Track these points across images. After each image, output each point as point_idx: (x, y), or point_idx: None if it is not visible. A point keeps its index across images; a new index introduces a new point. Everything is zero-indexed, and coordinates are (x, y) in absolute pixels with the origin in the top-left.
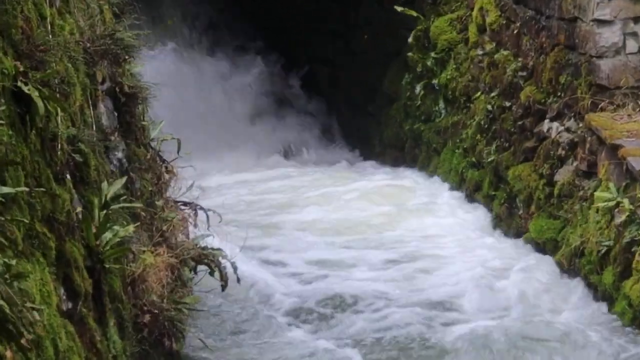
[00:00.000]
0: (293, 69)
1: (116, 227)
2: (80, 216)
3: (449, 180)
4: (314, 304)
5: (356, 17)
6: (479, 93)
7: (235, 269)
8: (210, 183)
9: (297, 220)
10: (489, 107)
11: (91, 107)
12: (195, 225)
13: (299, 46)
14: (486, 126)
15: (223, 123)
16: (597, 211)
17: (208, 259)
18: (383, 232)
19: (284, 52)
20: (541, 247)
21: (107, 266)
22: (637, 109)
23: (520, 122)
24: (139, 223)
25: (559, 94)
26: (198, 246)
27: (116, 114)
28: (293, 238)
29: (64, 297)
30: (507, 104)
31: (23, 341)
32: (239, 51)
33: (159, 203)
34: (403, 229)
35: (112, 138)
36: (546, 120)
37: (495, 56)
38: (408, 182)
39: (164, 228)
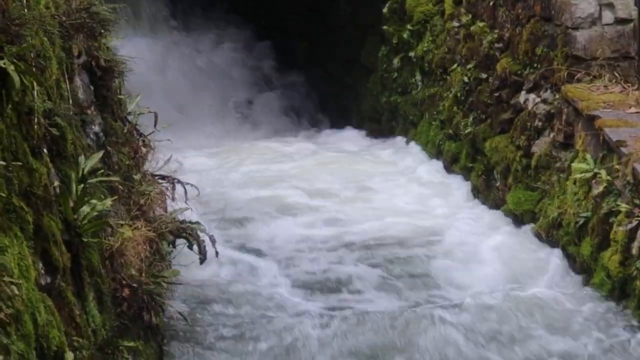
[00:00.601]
0: (268, 42)
1: (94, 201)
2: (57, 190)
3: (427, 152)
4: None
5: None
6: (455, 65)
7: (213, 242)
8: (186, 158)
9: (277, 197)
10: (466, 79)
11: (67, 81)
12: (173, 199)
13: (274, 19)
14: (463, 98)
15: (197, 98)
16: (575, 182)
17: (186, 232)
18: (359, 209)
19: (258, 25)
20: (519, 219)
21: (85, 240)
22: (614, 80)
23: (496, 94)
24: (116, 197)
25: (535, 65)
26: (176, 220)
27: (92, 87)
28: (271, 218)
29: (43, 272)
30: (484, 75)
31: (1, 315)
32: (211, 26)
33: (137, 177)
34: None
35: (89, 112)
36: (522, 92)
37: (471, 28)
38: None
39: (142, 202)
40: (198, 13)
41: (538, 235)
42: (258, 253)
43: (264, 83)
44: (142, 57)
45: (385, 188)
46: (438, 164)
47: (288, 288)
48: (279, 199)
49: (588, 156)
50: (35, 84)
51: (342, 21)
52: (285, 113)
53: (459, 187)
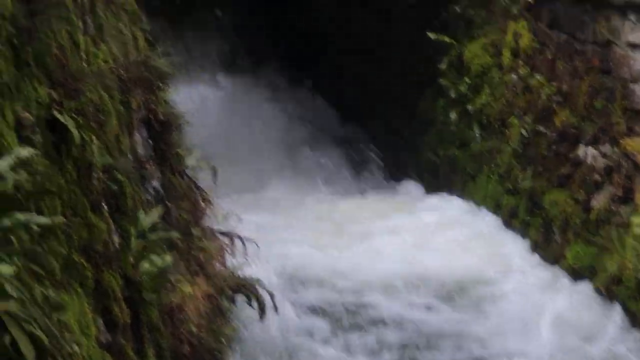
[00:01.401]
0: (324, 91)
1: (154, 257)
2: (117, 246)
3: (485, 206)
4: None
5: (392, 39)
6: (513, 118)
7: (273, 298)
8: (247, 213)
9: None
10: (524, 132)
11: (126, 136)
12: (233, 255)
13: (330, 71)
14: (521, 151)
15: (256, 151)
16: (634, 237)
17: (246, 288)
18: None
19: (314, 78)
20: (578, 274)
21: (145, 296)
22: None
23: (555, 147)
24: (176, 252)
25: (593, 118)
26: (235, 276)
27: (151, 142)
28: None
29: (103, 329)
30: (542, 129)
31: None
32: (265, 79)
33: (196, 232)
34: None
35: (148, 167)
36: (581, 145)
37: (530, 81)
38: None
39: (202, 257)
40: (251, 66)
41: (598, 291)
42: (317, 312)
43: (322, 136)
44: (201, 109)
45: (444, 244)
46: (497, 219)
47: (342, 350)
48: (336, 259)
49: None
50: (94, 138)
51: (401, 73)
52: (344, 166)
53: (517, 242)
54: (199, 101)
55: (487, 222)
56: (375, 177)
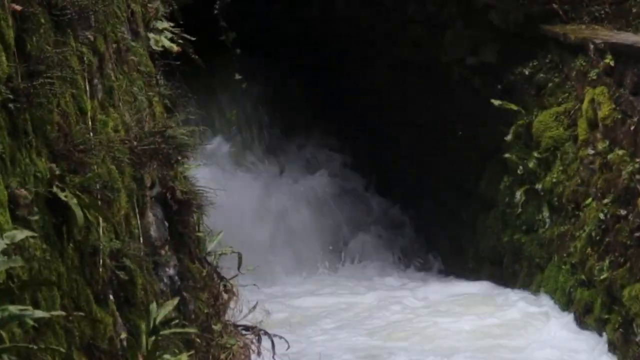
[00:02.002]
0: (366, 170)
1: (167, 356)
2: (125, 343)
3: (555, 301)
4: None
5: (449, 109)
6: (589, 199)
7: None
8: (275, 305)
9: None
10: (601, 215)
11: (138, 216)
12: (259, 354)
13: (377, 140)
14: (598, 238)
15: (287, 236)
16: None
17: None
18: None
19: (354, 148)
20: None
21: None
22: None
23: (638, 234)
24: (193, 351)
25: None
26: None
27: (167, 223)
28: None
29: None
30: (623, 212)
31: None
32: (301, 153)
33: (217, 327)
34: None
35: (162, 252)
36: None
37: (609, 156)
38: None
39: (223, 357)
40: (285, 140)
41: None
42: None
43: (364, 217)
44: (224, 187)
45: (506, 351)
46: (568, 317)
47: None
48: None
49: None
50: (100, 219)
51: (458, 146)
52: (388, 252)
53: (592, 343)
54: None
55: (557, 320)
56: (427, 267)
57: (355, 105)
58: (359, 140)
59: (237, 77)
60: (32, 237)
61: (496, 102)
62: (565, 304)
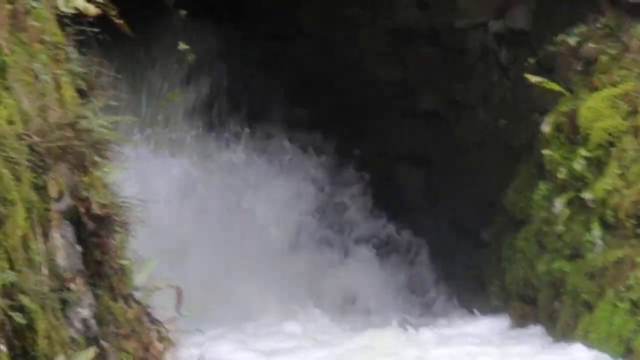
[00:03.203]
0: (361, 170)
1: None
2: None
3: (608, 351)
4: None
5: (466, 92)
6: None
7: None
8: (230, 355)
9: None
10: None
11: (40, 239)
12: None
13: (373, 135)
14: None
15: (249, 258)
16: None
17: None
18: None
19: (344, 143)
20: None
21: None
22: None
23: None
24: None
25: None
26: None
27: (80, 248)
28: None
29: None
30: None
31: None
32: (277, 144)
33: None
34: None
35: (74, 286)
36: None
37: None
38: None
39: None
40: (255, 125)
41: None
42: None
43: (354, 237)
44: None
45: None
46: None
47: None
48: None
49: None
50: None
51: (479, 141)
52: (393, 286)
53: None
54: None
55: None
56: (439, 303)
57: (337, 89)
58: (342, 134)
59: (182, 46)
60: None
61: (533, 79)
62: (622, 355)
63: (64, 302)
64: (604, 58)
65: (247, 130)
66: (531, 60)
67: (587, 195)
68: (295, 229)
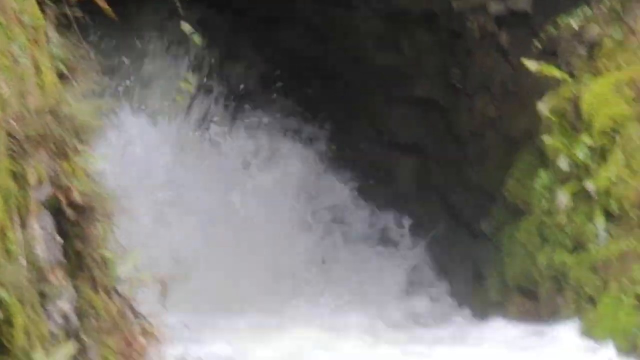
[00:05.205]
0: (351, 159)
1: None
2: None
3: (613, 347)
4: None
5: (463, 79)
6: None
7: None
8: (216, 349)
9: None
10: None
11: (18, 229)
12: None
13: (367, 122)
14: None
15: (237, 249)
16: None
17: None
18: None
19: (336, 130)
20: None
21: None
22: None
23: None
24: None
25: None
26: None
27: (60, 239)
28: None
29: None
30: None
31: None
32: (264, 131)
33: None
34: None
35: (53, 279)
36: None
37: None
38: None
39: None
40: (242, 109)
41: None
42: None
43: (339, 227)
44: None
45: None
46: None
47: None
48: None
49: None
50: None
51: (476, 127)
52: (374, 280)
53: None
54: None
55: None
56: (433, 299)
57: (329, 73)
58: (335, 120)
59: (187, 28)
60: None
61: (532, 65)
62: (628, 351)
63: (43, 295)
64: (608, 42)
65: (235, 116)
66: (534, 44)
67: (590, 185)
68: (286, 215)
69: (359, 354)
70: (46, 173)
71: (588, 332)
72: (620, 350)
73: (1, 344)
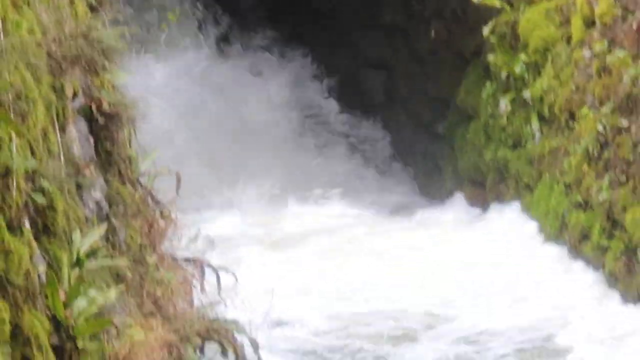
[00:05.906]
0: (331, 75)
1: (93, 292)
2: (43, 278)
3: (545, 227)
4: None
5: (421, 8)
6: (585, 109)
7: (256, 348)
8: (222, 231)
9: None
10: (600, 127)
11: (58, 132)
12: (202, 290)
13: (341, 45)
14: (596, 153)
15: (236, 150)
16: None
17: (219, 334)
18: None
19: (318, 53)
20: None
21: (80, 345)
22: None
23: None
24: (124, 286)
25: None
26: (205, 318)
27: (92, 140)
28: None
29: None
30: (625, 123)
31: None
32: (255, 52)
33: (152, 259)
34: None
35: (87, 172)
36: None
37: (608, 59)
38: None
39: (159, 293)
40: (234, 33)
41: None
42: None
43: (325, 130)
44: (163, 94)
45: (488, 284)
46: (561, 244)
47: None
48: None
49: None
50: (13, 135)
51: (433, 47)
52: (360, 173)
53: (588, 274)
54: (161, 83)
55: (548, 249)
56: (402, 187)
57: (312, 7)
58: (317, 42)
59: None
60: None
61: None
62: (558, 229)
63: (79, 186)
64: None
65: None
66: None
67: (526, 94)
68: (275, 124)
69: None
70: (80, 86)
71: (526, 211)
72: (551, 228)
73: (46, 226)
